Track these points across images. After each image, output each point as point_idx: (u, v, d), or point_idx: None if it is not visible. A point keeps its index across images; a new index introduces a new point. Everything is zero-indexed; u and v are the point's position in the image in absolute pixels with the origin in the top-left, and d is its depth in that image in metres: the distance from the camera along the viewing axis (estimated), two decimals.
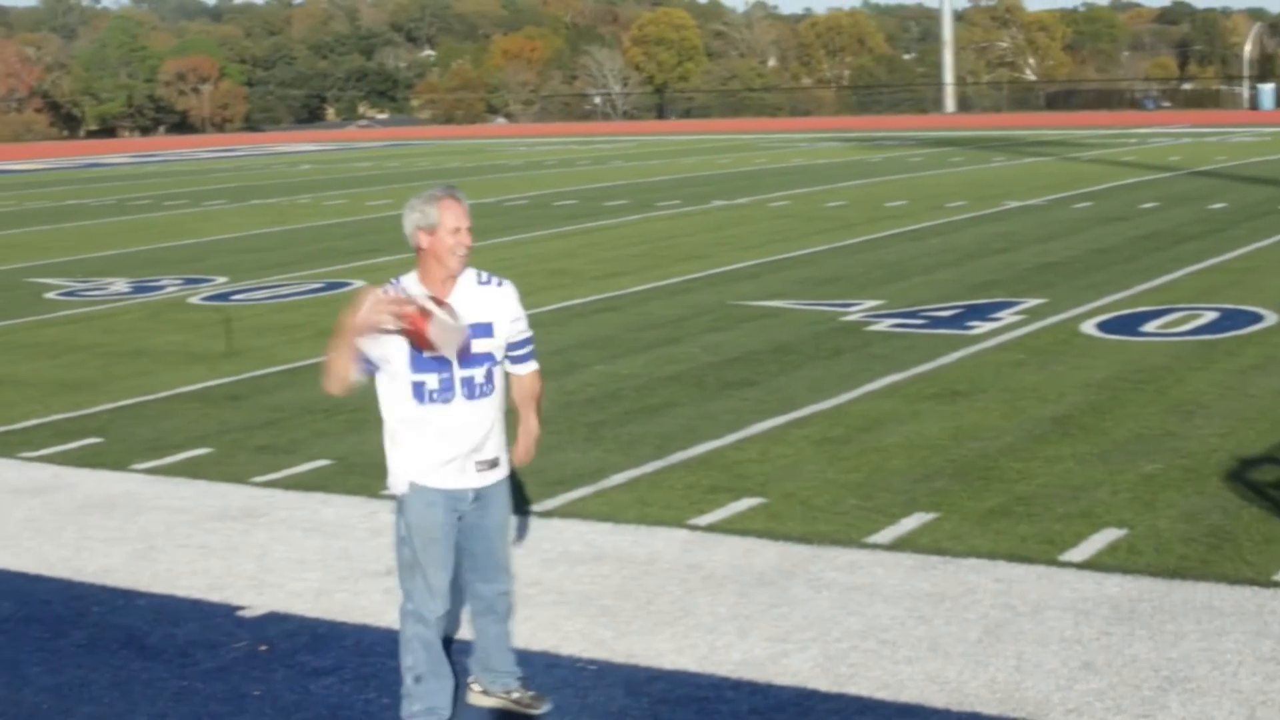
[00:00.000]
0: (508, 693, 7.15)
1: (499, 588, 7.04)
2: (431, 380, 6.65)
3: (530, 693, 7.17)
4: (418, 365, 6.61)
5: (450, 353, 6.59)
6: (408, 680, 6.90)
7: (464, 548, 6.93)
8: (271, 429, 13.26)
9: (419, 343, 6.51)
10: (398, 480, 6.80)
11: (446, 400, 6.67)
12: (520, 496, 10.21)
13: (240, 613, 8.70)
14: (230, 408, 14.22)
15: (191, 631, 8.44)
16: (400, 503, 6.82)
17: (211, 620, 8.60)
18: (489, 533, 6.93)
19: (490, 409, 6.79)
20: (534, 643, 7.91)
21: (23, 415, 14.20)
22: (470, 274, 6.78)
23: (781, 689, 7.29)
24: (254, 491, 11.32)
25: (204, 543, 10.06)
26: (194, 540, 10.13)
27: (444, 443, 6.69)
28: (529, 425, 7.13)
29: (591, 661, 7.75)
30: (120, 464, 12.28)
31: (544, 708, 7.13)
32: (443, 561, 6.82)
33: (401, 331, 6.48)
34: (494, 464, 6.86)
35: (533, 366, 7.05)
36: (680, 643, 7.93)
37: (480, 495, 6.83)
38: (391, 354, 6.61)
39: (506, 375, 6.97)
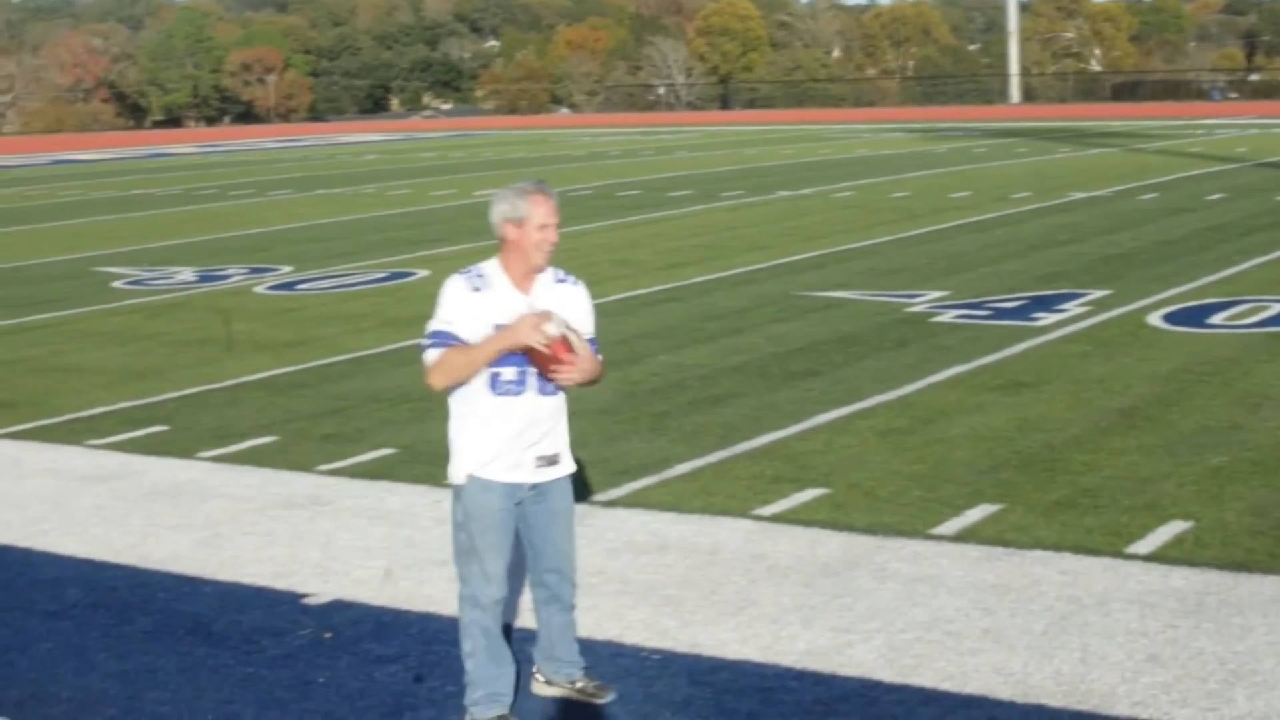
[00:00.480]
0: (572, 682, 7.15)
1: (561, 577, 7.04)
2: (508, 372, 6.66)
3: (595, 682, 7.17)
4: (500, 358, 6.63)
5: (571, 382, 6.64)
6: (468, 666, 6.92)
7: (525, 537, 6.95)
8: (336, 417, 13.31)
9: (544, 366, 6.53)
10: (457, 470, 6.81)
11: (518, 393, 6.68)
12: (584, 486, 10.23)
13: (305, 600, 8.74)
14: (295, 396, 14.28)
15: (257, 618, 8.48)
16: (458, 488, 6.85)
17: (277, 607, 8.65)
18: (548, 523, 6.93)
19: (555, 405, 6.82)
20: (598, 632, 7.91)
21: (90, 403, 14.30)
22: (549, 271, 6.80)
23: (846, 680, 7.28)
24: (319, 480, 11.36)
25: (269, 530, 10.11)
26: (259, 528, 10.18)
27: (506, 434, 6.70)
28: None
29: (655, 651, 7.74)
30: (186, 451, 12.34)
31: (608, 697, 7.13)
32: (499, 548, 6.82)
33: (536, 353, 6.51)
34: (553, 460, 6.86)
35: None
36: (744, 633, 7.92)
37: (538, 487, 6.85)
38: None
39: None
